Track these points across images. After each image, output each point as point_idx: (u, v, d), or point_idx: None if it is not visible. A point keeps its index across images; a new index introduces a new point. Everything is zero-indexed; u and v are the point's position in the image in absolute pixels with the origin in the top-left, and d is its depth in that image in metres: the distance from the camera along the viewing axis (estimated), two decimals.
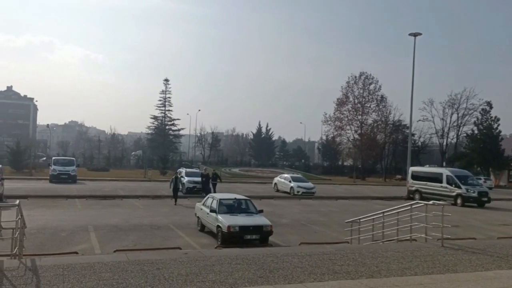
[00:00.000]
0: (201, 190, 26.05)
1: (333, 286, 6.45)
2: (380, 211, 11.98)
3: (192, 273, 6.85)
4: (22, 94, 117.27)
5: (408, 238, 10.98)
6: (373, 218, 12.07)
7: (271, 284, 6.45)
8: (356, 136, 59.78)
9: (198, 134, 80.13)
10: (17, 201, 8.02)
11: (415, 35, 34.03)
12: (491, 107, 57.95)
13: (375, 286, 6.52)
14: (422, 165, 48.72)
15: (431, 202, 10.70)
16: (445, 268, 7.94)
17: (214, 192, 23.84)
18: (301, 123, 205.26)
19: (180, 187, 27.72)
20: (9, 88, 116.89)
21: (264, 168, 60.58)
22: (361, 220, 12.20)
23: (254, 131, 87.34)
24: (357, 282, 6.73)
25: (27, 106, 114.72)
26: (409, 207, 10.80)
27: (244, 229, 12.54)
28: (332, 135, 64.07)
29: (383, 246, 10.18)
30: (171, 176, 27.41)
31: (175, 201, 22.22)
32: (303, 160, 79.75)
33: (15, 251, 7.74)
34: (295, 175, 35.56)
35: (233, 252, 8.76)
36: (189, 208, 19.30)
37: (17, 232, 7.65)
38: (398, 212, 11.28)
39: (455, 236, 11.47)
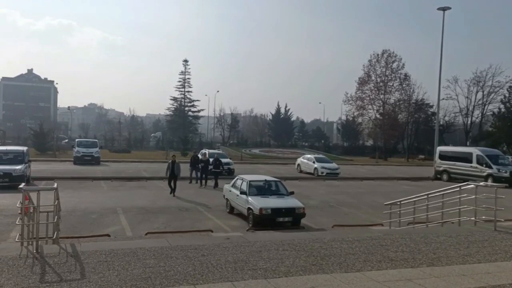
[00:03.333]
0: (198, 177, 22.16)
1: (394, 276, 5.94)
2: (423, 193, 11.38)
3: (240, 260, 6.45)
4: (42, 77, 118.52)
5: (455, 221, 10.41)
6: (414, 201, 11.52)
7: (326, 273, 5.98)
8: (378, 116, 58.56)
9: (217, 115, 79.62)
10: (55, 184, 7.72)
11: (444, 9, 32.63)
12: None
13: (439, 275, 5.99)
14: (446, 144, 47.34)
15: (482, 183, 10.08)
16: (508, 255, 7.36)
17: (216, 183, 20.54)
18: (320, 103, 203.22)
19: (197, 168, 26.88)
20: (30, 71, 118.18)
21: (285, 149, 60.01)
22: (401, 203, 11.64)
23: (273, 111, 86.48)
24: (418, 271, 6.21)
25: (47, 88, 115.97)
26: (458, 189, 10.18)
27: (276, 211, 12.22)
28: (353, 115, 63.00)
29: (433, 230, 9.61)
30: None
31: (173, 191, 17.99)
32: (322, 141, 78.83)
33: (54, 236, 7.47)
34: (318, 155, 34.97)
35: (277, 237, 8.32)
36: (217, 190, 19.03)
37: (56, 216, 7.35)
38: (443, 195, 10.68)
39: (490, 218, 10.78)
